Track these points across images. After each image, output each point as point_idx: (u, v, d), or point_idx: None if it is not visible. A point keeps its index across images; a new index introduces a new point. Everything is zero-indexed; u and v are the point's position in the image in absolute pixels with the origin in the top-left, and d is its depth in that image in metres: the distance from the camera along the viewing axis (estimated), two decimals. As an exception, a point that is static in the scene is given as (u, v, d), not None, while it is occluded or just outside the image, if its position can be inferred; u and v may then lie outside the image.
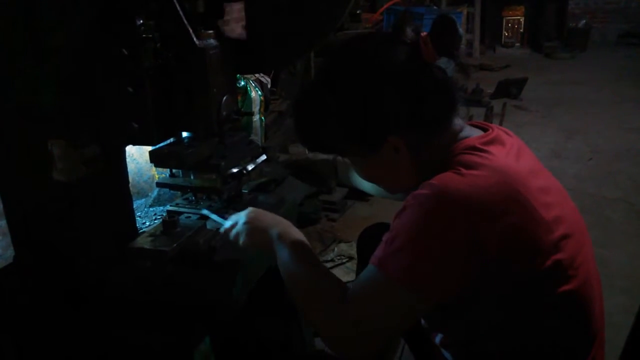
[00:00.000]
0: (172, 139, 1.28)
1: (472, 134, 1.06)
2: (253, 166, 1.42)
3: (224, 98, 1.24)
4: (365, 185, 1.53)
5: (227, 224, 1.24)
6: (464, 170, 0.94)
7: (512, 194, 0.92)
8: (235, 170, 1.35)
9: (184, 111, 1.21)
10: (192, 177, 1.39)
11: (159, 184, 1.45)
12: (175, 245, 1.19)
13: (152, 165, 1.34)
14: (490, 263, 0.90)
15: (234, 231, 1.21)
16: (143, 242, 1.21)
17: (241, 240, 1.19)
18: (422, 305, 0.94)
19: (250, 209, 1.22)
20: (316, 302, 1.02)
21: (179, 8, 1.14)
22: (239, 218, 1.21)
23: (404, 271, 0.91)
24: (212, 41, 1.20)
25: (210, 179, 1.35)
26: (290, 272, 1.08)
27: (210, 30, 1.22)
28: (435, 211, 0.91)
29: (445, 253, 0.90)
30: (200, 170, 1.35)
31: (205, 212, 1.33)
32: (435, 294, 0.92)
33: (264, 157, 1.50)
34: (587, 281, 1.00)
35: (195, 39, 1.15)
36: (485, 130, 1.08)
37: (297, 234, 1.16)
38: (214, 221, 1.32)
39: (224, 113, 1.25)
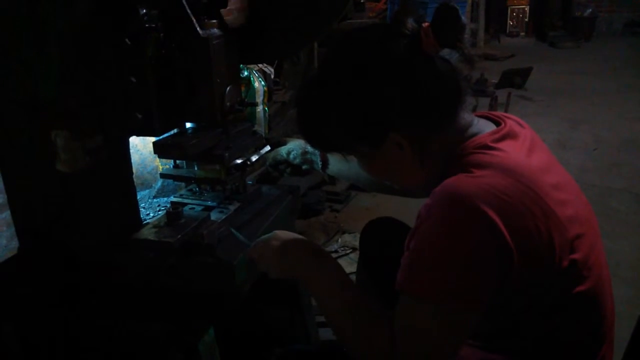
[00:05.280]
0: (175, 130, 1.28)
1: (483, 129, 1.02)
2: (257, 157, 1.41)
3: (228, 88, 1.23)
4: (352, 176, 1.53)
5: (251, 247, 1.17)
6: (476, 172, 0.91)
7: (527, 194, 0.89)
8: (239, 161, 1.35)
9: (188, 101, 1.20)
10: (195, 168, 1.39)
11: (162, 175, 1.45)
12: (179, 236, 1.19)
13: (156, 156, 1.34)
14: (513, 263, 0.87)
15: (258, 261, 1.14)
16: (147, 233, 1.21)
17: (266, 269, 1.14)
18: (472, 316, 0.90)
19: (275, 234, 1.15)
20: (366, 353, 0.98)
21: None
22: (264, 245, 1.14)
23: (442, 289, 0.88)
24: (215, 31, 1.19)
25: (214, 169, 1.35)
26: (328, 314, 1.04)
27: (213, 19, 1.21)
28: (451, 218, 0.88)
29: (474, 258, 0.87)
30: (203, 161, 1.34)
31: (232, 230, 1.31)
32: (479, 300, 0.89)
33: (267, 148, 1.49)
34: (599, 281, 0.99)
35: (198, 28, 1.14)
36: (497, 123, 1.05)
37: (328, 267, 1.09)
38: (237, 239, 1.26)
39: (228, 103, 1.24)
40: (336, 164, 1.54)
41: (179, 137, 1.26)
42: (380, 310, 0.99)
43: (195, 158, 1.32)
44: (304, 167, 1.59)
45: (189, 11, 1.14)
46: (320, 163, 1.55)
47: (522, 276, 0.90)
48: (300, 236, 1.16)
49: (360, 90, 0.97)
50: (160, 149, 1.24)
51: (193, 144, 1.21)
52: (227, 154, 1.29)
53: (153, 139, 1.24)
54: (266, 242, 1.14)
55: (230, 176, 1.35)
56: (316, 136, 1.09)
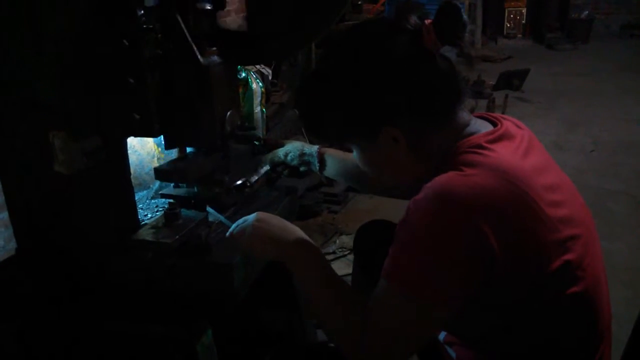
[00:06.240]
0: (177, 149, 1.29)
1: (479, 129, 1.02)
2: (256, 177, 1.42)
3: (228, 113, 1.24)
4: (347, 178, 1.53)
5: (233, 228, 1.17)
6: (467, 170, 0.92)
7: (515, 193, 0.89)
8: (239, 182, 1.35)
9: (188, 127, 1.22)
10: (195, 189, 1.39)
11: (162, 195, 1.45)
12: (177, 237, 1.19)
13: (154, 157, 1.34)
14: (497, 263, 0.88)
15: (240, 240, 1.15)
16: (145, 234, 1.21)
17: (248, 251, 1.15)
18: (444, 314, 0.92)
19: (257, 214, 1.16)
20: (339, 331, 1.01)
21: (184, 27, 1.14)
22: (246, 225, 1.14)
23: (418, 284, 0.89)
24: (215, 58, 1.20)
25: (214, 191, 1.35)
26: (309, 293, 1.06)
27: (213, 47, 1.22)
28: (438, 216, 0.88)
29: (454, 258, 0.88)
30: (203, 185, 1.35)
31: (209, 210, 1.32)
32: (454, 300, 0.91)
33: (267, 167, 1.50)
34: (595, 282, 0.99)
35: (200, 57, 1.15)
36: (495, 124, 1.05)
37: (309, 247, 1.11)
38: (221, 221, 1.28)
39: (228, 128, 1.25)
40: (333, 165, 1.54)
41: (179, 162, 1.27)
42: (355, 292, 1.03)
43: (195, 182, 1.33)
44: (301, 168, 1.59)
45: (190, 40, 1.14)
46: (317, 165, 1.55)
47: (510, 276, 0.90)
48: (281, 219, 1.17)
49: (360, 83, 0.98)
50: (161, 175, 1.26)
51: (193, 170, 1.23)
52: (227, 178, 1.30)
53: (151, 139, 1.24)
54: (248, 223, 1.14)
55: (229, 196, 1.36)
56: (314, 126, 1.10)
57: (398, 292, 0.91)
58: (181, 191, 1.41)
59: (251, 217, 1.15)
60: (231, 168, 1.32)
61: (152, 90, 1.13)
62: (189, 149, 1.29)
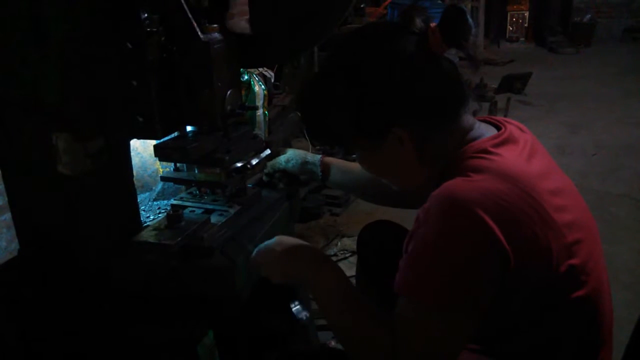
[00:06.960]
0: (176, 133, 1.28)
1: (483, 133, 1.03)
2: (257, 160, 1.41)
3: (228, 92, 1.24)
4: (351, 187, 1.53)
5: (255, 251, 1.18)
6: (474, 176, 0.92)
7: (524, 199, 0.90)
8: (239, 164, 1.35)
9: (188, 105, 1.20)
10: (196, 172, 1.39)
11: (163, 178, 1.45)
12: (179, 239, 1.19)
13: (156, 159, 1.34)
14: (509, 267, 0.88)
15: (261, 262, 1.15)
16: (147, 235, 1.22)
17: (269, 274, 1.15)
18: (470, 321, 0.91)
19: (276, 239, 1.16)
20: (368, 355, 0.98)
21: (183, 2, 1.14)
22: (268, 247, 1.15)
23: (439, 294, 0.88)
24: (216, 35, 1.20)
25: (214, 173, 1.35)
26: (333, 318, 1.05)
27: (214, 24, 1.21)
28: (449, 222, 0.88)
29: (472, 262, 0.88)
30: (204, 164, 1.35)
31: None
32: (479, 304, 0.90)
33: (268, 151, 1.49)
34: (597, 286, 0.99)
35: (199, 32, 1.15)
36: (498, 127, 1.05)
37: (332, 267, 1.10)
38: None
39: (228, 107, 1.24)
40: (338, 175, 1.52)
41: (179, 141, 1.26)
42: (382, 312, 0.99)
43: (195, 161, 1.33)
44: (302, 177, 1.57)
45: (190, 15, 1.14)
46: (320, 174, 1.53)
47: (519, 280, 0.90)
48: (301, 241, 1.17)
49: (366, 82, 0.98)
50: (161, 152, 1.25)
51: (193, 147, 1.21)
52: (227, 158, 1.29)
53: (154, 142, 1.24)
54: (269, 247, 1.15)
55: (230, 179, 1.36)
56: (318, 128, 1.09)
57: (423, 306, 0.90)
58: (182, 174, 1.41)
59: (271, 242, 1.16)
60: (232, 149, 1.31)
61: (155, 93, 1.14)
62: (188, 128, 1.28)
